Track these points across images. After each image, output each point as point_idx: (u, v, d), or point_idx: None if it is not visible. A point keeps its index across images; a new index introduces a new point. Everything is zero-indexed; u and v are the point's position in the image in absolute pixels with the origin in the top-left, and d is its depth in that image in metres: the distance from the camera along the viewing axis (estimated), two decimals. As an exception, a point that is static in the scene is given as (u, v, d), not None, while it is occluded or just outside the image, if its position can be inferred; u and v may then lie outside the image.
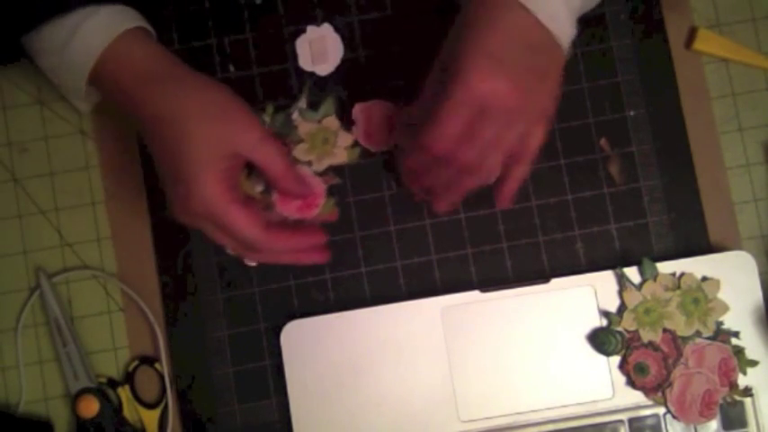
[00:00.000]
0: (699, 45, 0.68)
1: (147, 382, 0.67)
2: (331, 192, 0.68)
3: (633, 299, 0.65)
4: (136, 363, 0.67)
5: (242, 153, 0.57)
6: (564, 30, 0.56)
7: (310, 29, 0.69)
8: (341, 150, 0.68)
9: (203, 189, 0.56)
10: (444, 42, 0.58)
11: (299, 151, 0.68)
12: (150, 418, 0.66)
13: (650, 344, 0.65)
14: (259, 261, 0.66)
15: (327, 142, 0.68)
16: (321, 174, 0.68)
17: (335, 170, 0.68)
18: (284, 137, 0.68)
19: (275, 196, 0.66)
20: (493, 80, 0.54)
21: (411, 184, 0.65)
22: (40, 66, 0.60)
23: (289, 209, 0.67)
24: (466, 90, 0.54)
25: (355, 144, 0.68)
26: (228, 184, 0.57)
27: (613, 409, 0.65)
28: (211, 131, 0.56)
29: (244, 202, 0.58)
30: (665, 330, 0.65)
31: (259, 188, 0.66)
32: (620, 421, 0.65)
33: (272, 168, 0.59)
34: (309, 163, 0.68)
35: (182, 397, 0.67)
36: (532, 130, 0.58)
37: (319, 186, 0.68)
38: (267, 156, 0.58)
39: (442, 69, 0.57)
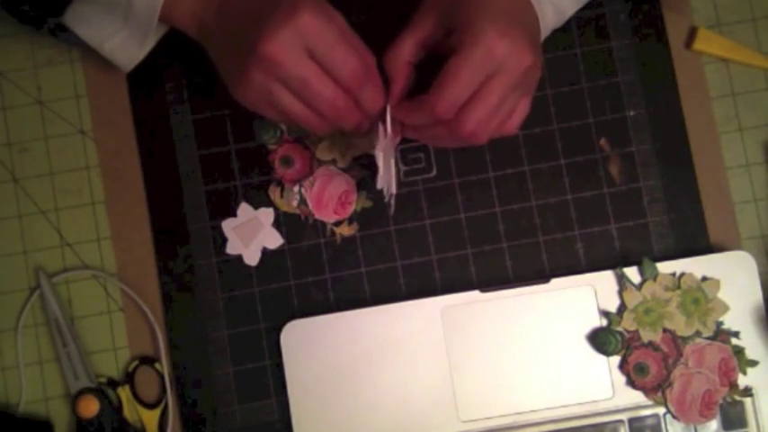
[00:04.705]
0: (699, 45, 0.68)
1: (147, 382, 0.67)
2: (360, 185, 0.68)
3: (633, 299, 0.65)
4: (136, 363, 0.67)
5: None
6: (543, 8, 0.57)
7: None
8: (361, 141, 0.67)
9: (301, 15, 0.52)
10: (424, 10, 0.57)
11: (321, 151, 0.67)
12: (150, 418, 0.66)
13: (650, 344, 0.65)
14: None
15: (345, 134, 0.67)
16: (347, 170, 0.68)
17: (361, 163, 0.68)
18: (303, 139, 0.68)
19: (312, 204, 0.67)
20: (512, 37, 0.52)
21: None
22: (84, 20, 0.59)
23: (325, 213, 0.67)
24: (484, 48, 0.52)
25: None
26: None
27: (613, 409, 0.65)
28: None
29: None
30: (665, 330, 0.65)
31: (294, 202, 0.67)
32: (620, 421, 0.65)
33: (350, 60, 0.55)
34: (334, 161, 0.68)
35: (182, 397, 0.67)
36: (521, 101, 0.56)
37: (350, 182, 0.68)
38: (347, 54, 0.55)
39: (445, 32, 0.55)
